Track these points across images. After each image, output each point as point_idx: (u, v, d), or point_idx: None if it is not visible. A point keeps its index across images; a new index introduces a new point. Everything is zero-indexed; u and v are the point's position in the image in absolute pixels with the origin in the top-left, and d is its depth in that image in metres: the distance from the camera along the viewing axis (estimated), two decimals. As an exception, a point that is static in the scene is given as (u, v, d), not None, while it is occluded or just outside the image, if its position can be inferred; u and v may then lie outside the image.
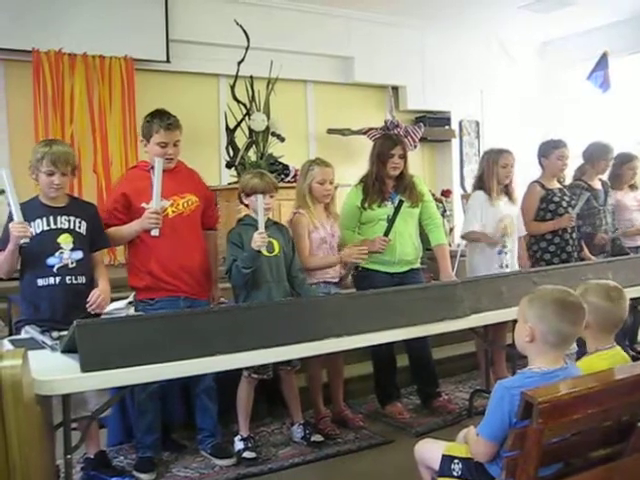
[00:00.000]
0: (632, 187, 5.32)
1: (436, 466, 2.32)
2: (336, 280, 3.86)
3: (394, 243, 3.97)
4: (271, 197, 3.57)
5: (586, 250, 4.84)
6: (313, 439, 3.71)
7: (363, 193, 4.06)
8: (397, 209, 3.93)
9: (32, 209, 3.12)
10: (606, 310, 2.38)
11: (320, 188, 3.80)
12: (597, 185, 5.03)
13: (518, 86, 8.99)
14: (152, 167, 3.35)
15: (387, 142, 4.10)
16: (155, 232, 3.32)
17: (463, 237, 4.56)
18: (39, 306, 3.02)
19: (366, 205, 4.02)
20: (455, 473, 2.25)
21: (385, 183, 4.06)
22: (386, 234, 3.92)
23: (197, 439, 3.64)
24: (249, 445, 3.57)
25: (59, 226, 3.11)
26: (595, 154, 5.01)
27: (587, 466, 2.07)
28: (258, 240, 3.33)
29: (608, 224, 4.98)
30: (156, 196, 3.29)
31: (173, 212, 3.46)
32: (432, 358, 4.30)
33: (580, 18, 7.99)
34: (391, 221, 3.93)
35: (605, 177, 5.29)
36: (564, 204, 4.65)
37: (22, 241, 2.98)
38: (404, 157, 4.06)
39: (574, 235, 4.68)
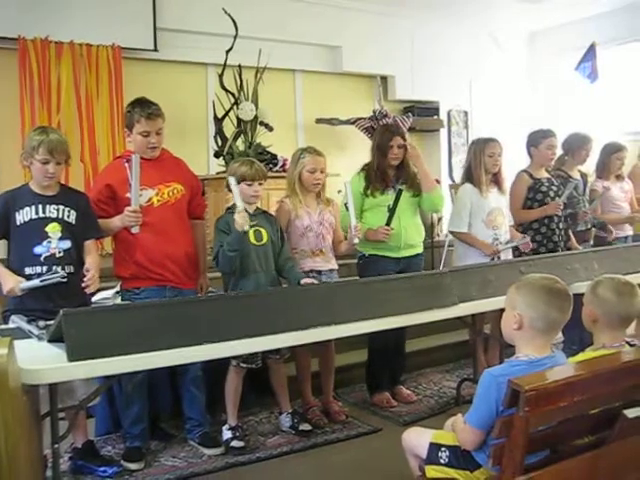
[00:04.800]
0: (618, 177, 5.34)
1: (423, 454, 2.34)
2: (326, 268, 3.85)
3: (399, 230, 4.02)
4: (260, 185, 3.57)
5: (573, 240, 4.87)
6: (301, 428, 3.72)
7: (366, 181, 4.09)
8: (397, 198, 3.98)
9: (22, 197, 3.12)
10: (614, 305, 2.34)
11: (310, 177, 3.79)
12: (576, 175, 5.04)
13: (507, 76, 8.98)
14: (127, 160, 3.33)
15: (386, 133, 4.15)
16: (135, 229, 3.30)
17: (452, 233, 4.52)
18: (26, 295, 2.99)
19: (369, 192, 4.06)
20: (442, 461, 2.27)
21: (387, 173, 4.10)
22: (388, 223, 3.95)
23: (185, 428, 3.64)
24: (237, 434, 3.58)
25: (47, 215, 3.10)
26: (575, 144, 5.03)
27: (573, 453, 2.09)
28: (239, 219, 3.29)
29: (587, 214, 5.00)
30: (134, 194, 3.26)
31: (158, 201, 3.44)
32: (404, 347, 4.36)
33: (569, 8, 7.98)
34: (392, 210, 3.98)
35: (591, 166, 5.32)
36: (551, 194, 4.66)
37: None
38: (403, 147, 4.08)
39: (561, 225, 4.69)
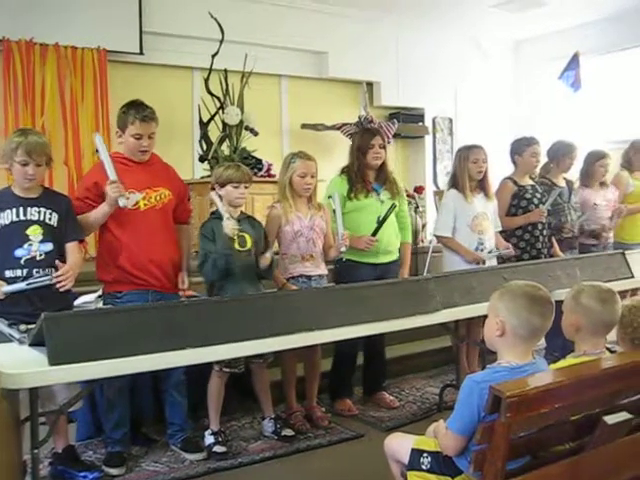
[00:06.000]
0: (602, 185, 5.38)
1: (405, 460, 2.33)
2: (315, 273, 3.84)
3: (380, 237, 4.02)
4: (245, 188, 3.58)
5: (556, 247, 4.89)
6: (284, 433, 3.71)
7: (348, 183, 4.11)
8: (388, 212, 4.00)
9: (3, 199, 3.10)
10: (597, 312, 2.35)
11: (301, 181, 3.80)
12: (561, 183, 5.08)
13: (492, 84, 9.05)
14: (96, 150, 3.35)
15: (366, 134, 4.20)
16: (122, 202, 3.24)
17: (437, 238, 4.56)
18: (7, 298, 2.96)
19: (352, 195, 4.07)
20: (424, 467, 2.27)
21: (367, 174, 4.12)
22: (374, 234, 3.96)
23: (167, 433, 3.62)
24: (219, 439, 3.56)
25: (29, 217, 3.07)
26: (560, 152, 5.05)
27: (554, 459, 2.09)
28: (227, 225, 3.39)
29: (573, 221, 5.02)
30: (108, 168, 3.25)
31: (145, 205, 3.43)
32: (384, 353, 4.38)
33: (553, 18, 8.06)
34: (380, 223, 3.99)
35: (575, 174, 5.35)
36: (535, 201, 4.69)
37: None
38: (384, 147, 4.12)
39: (544, 232, 4.72)
